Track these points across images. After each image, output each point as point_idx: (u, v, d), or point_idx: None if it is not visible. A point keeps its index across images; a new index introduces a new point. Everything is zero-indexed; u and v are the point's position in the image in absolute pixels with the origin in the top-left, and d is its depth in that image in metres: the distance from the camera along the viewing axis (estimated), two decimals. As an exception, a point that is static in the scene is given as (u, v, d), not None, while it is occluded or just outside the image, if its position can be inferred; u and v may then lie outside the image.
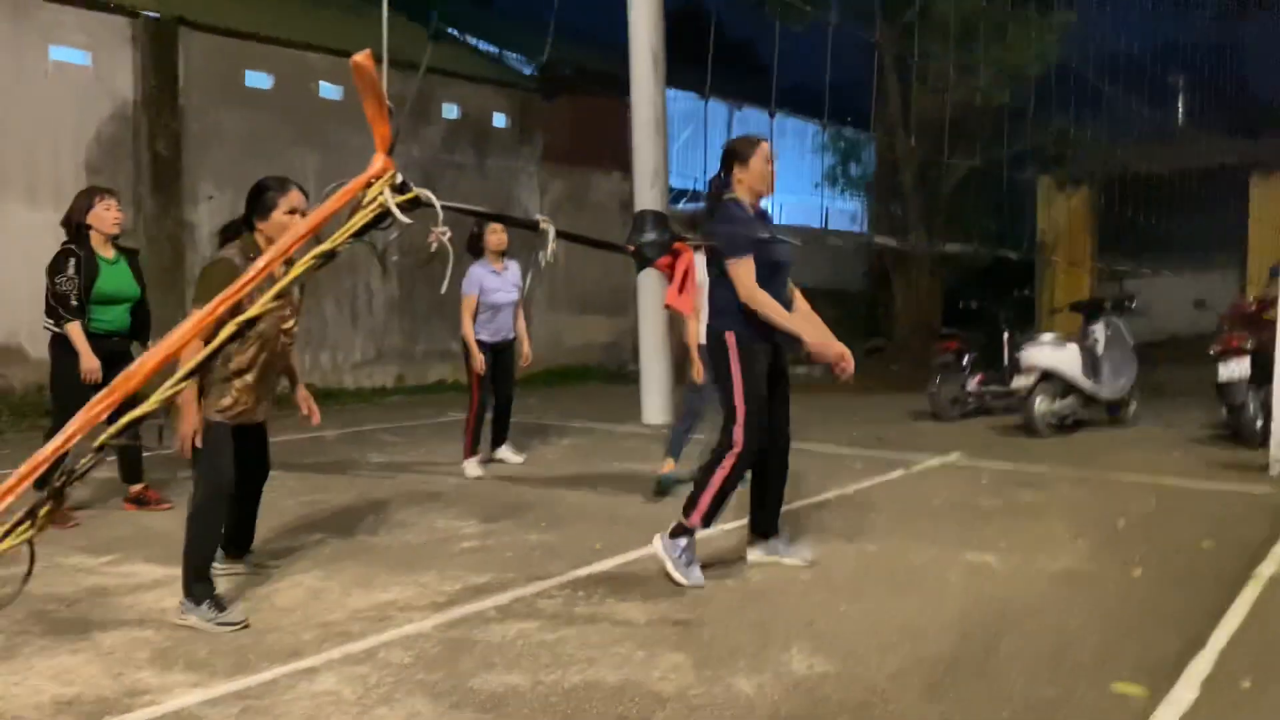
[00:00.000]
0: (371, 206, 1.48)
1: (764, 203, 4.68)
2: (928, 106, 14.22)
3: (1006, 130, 13.69)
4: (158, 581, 4.38)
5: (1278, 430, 6.90)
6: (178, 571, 3.96)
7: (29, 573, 1.33)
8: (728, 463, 4.42)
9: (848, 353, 4.50)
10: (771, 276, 4.43)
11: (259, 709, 3.11)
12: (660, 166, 2.04)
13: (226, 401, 4.00)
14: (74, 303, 5.34)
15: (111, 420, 1.57)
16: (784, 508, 4.86)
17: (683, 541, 4.45)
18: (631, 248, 1.90)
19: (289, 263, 1.63)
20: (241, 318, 1.45)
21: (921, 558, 4.91)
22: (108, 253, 5.54)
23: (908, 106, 14.65)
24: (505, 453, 7.47)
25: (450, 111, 13.47)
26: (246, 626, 3.81)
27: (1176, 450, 8.05)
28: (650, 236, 1.92)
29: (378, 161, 1.54)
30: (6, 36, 9.57)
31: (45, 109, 9.82)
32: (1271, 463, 6.89)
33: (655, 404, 2.51)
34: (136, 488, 5.83)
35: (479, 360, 6.89)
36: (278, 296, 1.53)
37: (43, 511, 1.28)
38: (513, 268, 7.16)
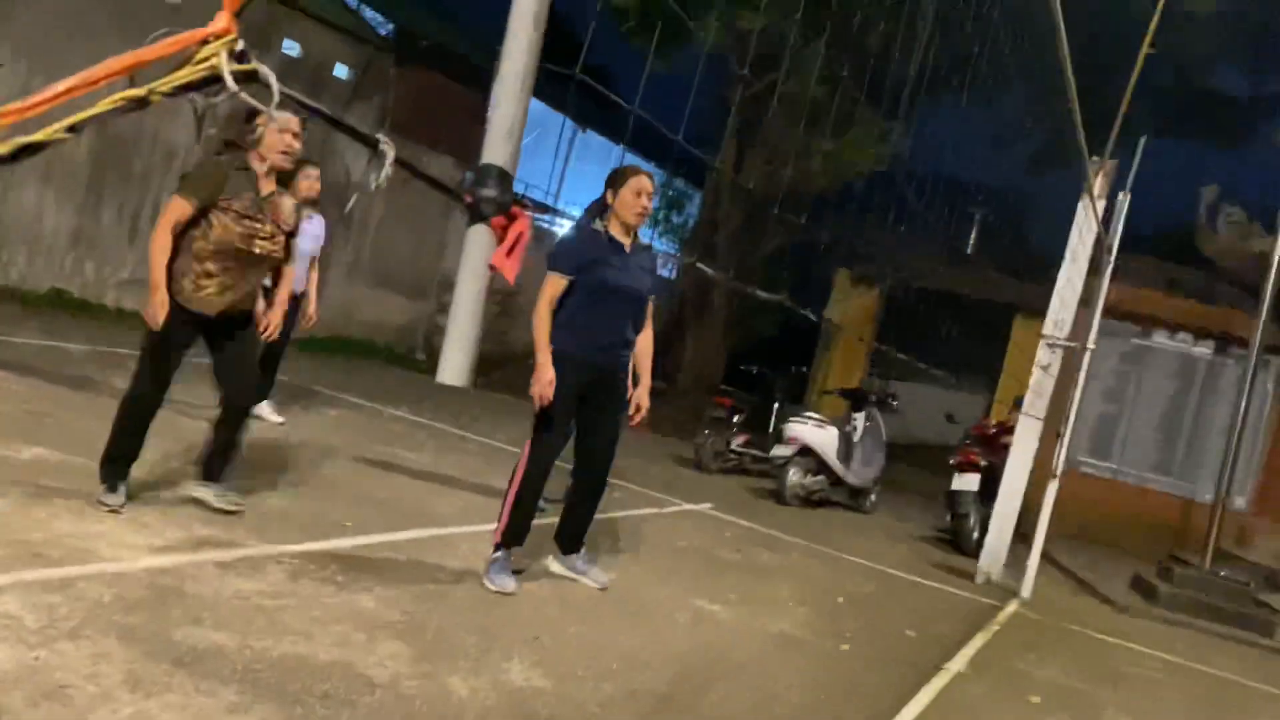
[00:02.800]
0: (203, 66, 1.35)
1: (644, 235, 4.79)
2: (760, 177, 14.84)
3: (821, 217, 14.52)
4: None
5: (991, 544, 7.59)
6: None
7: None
8: (516, 476, 4.54)
9: (643, 401, 4.70)
10: (601, 301, 4.53)
11: (-78, 620, 2.81)
12: (517, 126, 2.04)
13: (185, 284, 4.19)
14: None
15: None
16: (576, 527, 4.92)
17: (495, 554, 4.55)
18: (469, 198, 1.88)
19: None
20: (27, 140, 1.34)
21: (656, 595, 5.05)
22: None
23: (738, 172, 15.23)
24: (265, 409, 7.09)
25: (291, 48, 12.85)
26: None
27: (903, 544, 8.69)
28: (490, 193, 1.90)
29: (220, 20, 1.40)
30: None
31: None
32: (979, 572, 7.56)
33: (455, 364, 2.49)
34: None
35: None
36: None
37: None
38: (317, 220, 6.89)
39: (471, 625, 3.92)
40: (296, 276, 6.70)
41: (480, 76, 15.57)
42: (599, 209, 4.69)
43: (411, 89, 14.22)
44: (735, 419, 10.50)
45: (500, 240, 1.75)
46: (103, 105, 1.26)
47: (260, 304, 4.69)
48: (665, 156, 18.52)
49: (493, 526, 4.67)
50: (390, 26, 15.23)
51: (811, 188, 14.32)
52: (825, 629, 5.19)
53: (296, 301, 6.88)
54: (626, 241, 4.66)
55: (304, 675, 3.07)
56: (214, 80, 1.38)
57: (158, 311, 4.10)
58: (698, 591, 5.29)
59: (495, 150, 2.65)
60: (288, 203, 4.46)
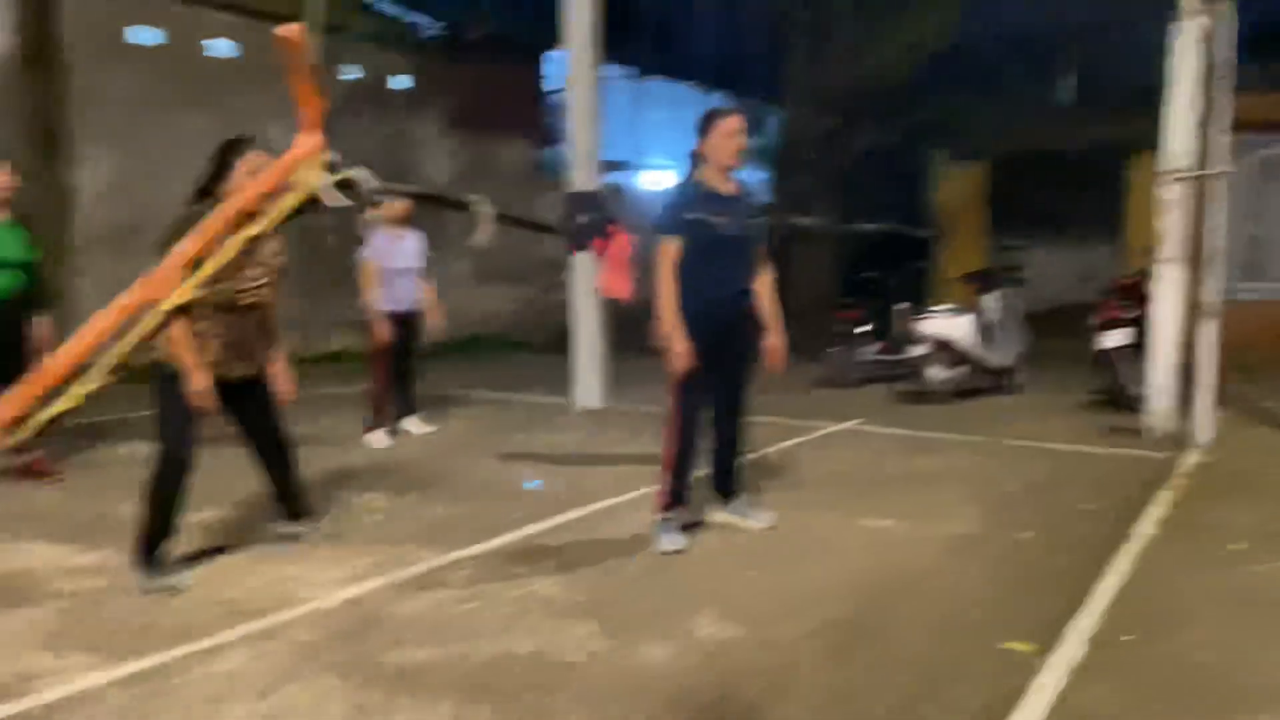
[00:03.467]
0: (303, 188, 1.43)
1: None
2: (833, 80, 14.41)
3: (904, 106, 14.00)
4: (50, 560, 4.22)
5: (1155, 396, 7.28)
6: (69, 548, 3.82)
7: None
8: (669, 440, 4.59)
9: (777, 347, 4.68)
10: (714, 255, 4.46)
11: (163, 690, 3.04)
12: (594, 151, 2.04)
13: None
14: None
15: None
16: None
17: (657, 517, 4.62)
18: (565, 231, 1.90)
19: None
20: (171, 303, 1.41)
21: (824, 522, 5.05)
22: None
23: (812, 79, 14.82)
24: (413, 424, 7.36)
25: (348, 73, 13.10)
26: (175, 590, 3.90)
27: (1061, 416, 8.42)
28: (583, 219, 1.91)
29: (306, 140, 1.48)
30: None
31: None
32: (1147, 428, 7.27)
33: (590, 388, 2.49)
34: (27, 457, 5.58)
35: (381, 329, 6.82)
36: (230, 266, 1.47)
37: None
38: (410, 237, 7.04)
39: (653, 591, 4.01)
40: (401, 294, 6.91)
41: (534, 53, 15.55)
42: (693, 161, 4.62)
43: (469, 83, 14.31)
44: (863, 329, 10.34)
45: (604, 262, 1.76)
46: (228, 251, 1.34)
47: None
48: (733, 83, 18.20)
49: (653, 490, 4.74)
50: (438, 25, 15.32)
51: (892, 77, 13.82)
52: (1001, 522, 5.10)
53: (414, 316, 7.10)
54: (726, 188, 4.59)
55: (510, 671, 3.20)
56: (316, 199, 1.45)
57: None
58: (864, 511, 5.26)
59: (581, 135, 2.65)
60: (271, 244, 3.93)
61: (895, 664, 3.33)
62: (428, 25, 15.28)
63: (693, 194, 4.52)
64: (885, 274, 11.22)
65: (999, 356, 9.44)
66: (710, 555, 4.50)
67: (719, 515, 4.95)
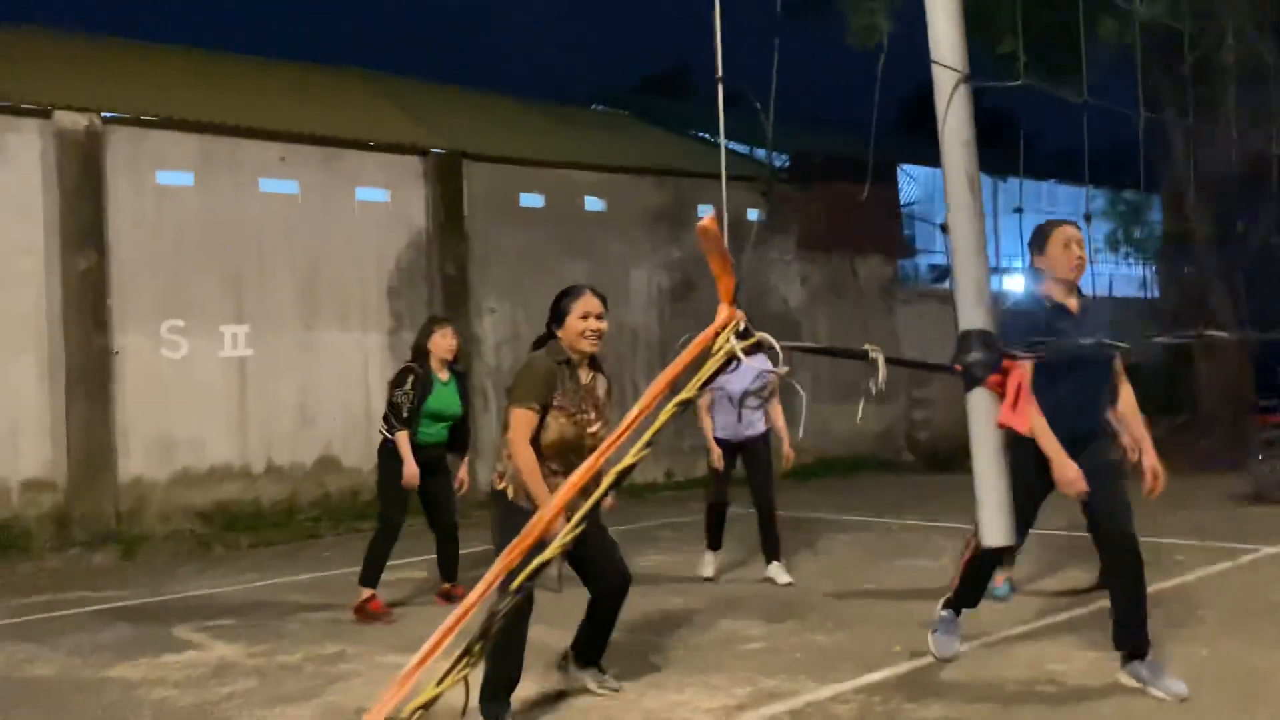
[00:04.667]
0: (720, 354, 1.53)
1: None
2: (1217, 159, 13.07)
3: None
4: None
5: None
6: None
7: (465, 706, 1.44)
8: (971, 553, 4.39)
9: (1156, 470, 4.19)
10: (1067, 375, 4.09)
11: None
12: (984, 287, 1.97)
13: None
14: (405, 414, 5.96)
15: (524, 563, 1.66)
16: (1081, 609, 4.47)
17: (941, 616, 4.46)
18: (959, 367, 1.84)
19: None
20: (620, 466, 1.52)
21: (1266, 663, 4.32)
22: (443, 374, 6.16)
23: (1194, 161, 13.53)
24: (774, 571, 6.64)
25: (705, 211, 13.85)
26: None
27: None
28: (977, 355, 1.84)
29: (723, 312, 1.62)
30: (321, 182, 10.87)
31: (353, 243, 11.02)
32: None
33: (996, 527, 2.32)
34: (448, 585, 6.24)
35: (714, 455, 6.58)
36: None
37: (476, 649, 1.37)
38: (745, 365, 6.91)
39: (1063, 736, 3.60)
40: (747, 419, 6.58)
41: (882, 171, 15.60)
42: (1034, 276, 4.35)
43: (820, 206, 14.59)
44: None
45: (1001, 395, 1.70)
46: (663, 417, 1.46)
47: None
48: (1104, 175, 17.07)
49: (1040, 623, 4.31)
50: (782, 157, 15.89)
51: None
52: None
53: (757, 443, 6.66)
54: (1071, 302, 4.24)
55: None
56: (731, 360, 1.56)
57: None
58: (1321, 650, 4.43)
59: (965, 269, 2.58)
60: (601, 384, 4.29)
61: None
62: (777, 157, 15.89)
63: (1033, 312, 4.21)
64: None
65: None
66: (1127, 694, 3.97)
67: (1122, 677, 4.11)
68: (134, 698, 4.62)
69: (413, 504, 6.12)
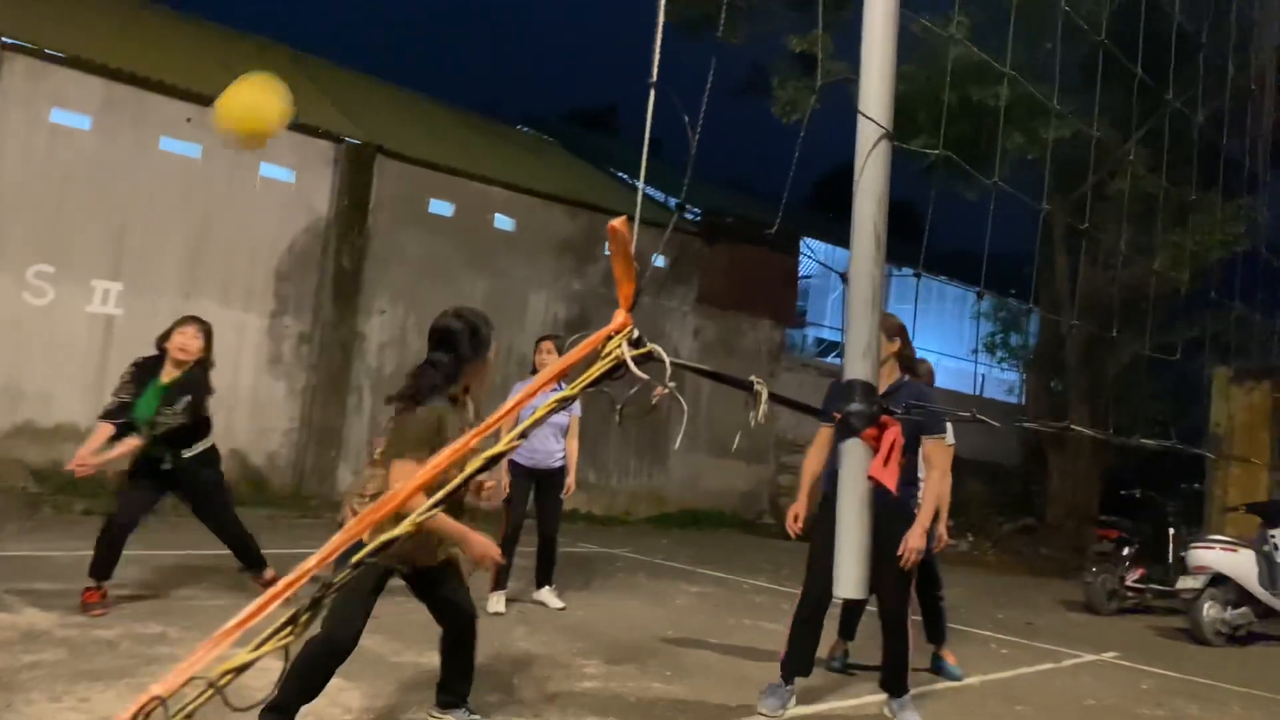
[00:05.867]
0: (609, 359, 1.53)
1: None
2: (1097, 282, 13.87)
3: (1181, 315, 13.17)
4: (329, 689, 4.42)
5: None
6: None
7: (281, 677, 1.38)
8: (794, 612, 5.01)
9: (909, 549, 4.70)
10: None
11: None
12: (873, 341, 2.02)
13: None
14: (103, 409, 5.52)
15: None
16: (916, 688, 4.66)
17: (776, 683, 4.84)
18: (837, 415, 1.89)
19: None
20: (490, 452, 1.50)
21: (1074, 765, 4.50)
22: (167, 376, 5.56)
23: (1075, 281, 14.32)
24: (545, 595, 6.82)
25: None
26: None
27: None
28: (858, 406, 1.89)
29: (618, 317, 1.61)
30: (226, 152, 10.54)
31: (249, 218, 10.68)
32: None
33: (850, 576, 2.34)
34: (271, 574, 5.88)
35: (505, 481, 6.46)
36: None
37: (303, 619, 1.32)
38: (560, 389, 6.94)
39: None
40: (546, 447, 6.56)
41: (785, 241, 16.02)
42: (909, 362, 5.00)
43: (722, 263, 14.89)
44: (1126, 551, 9.46)
45: (875, 449, 1.75)
46: (540, 412, 1.45)
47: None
48: (988, 280, 17.88)
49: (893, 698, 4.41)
50: (694, 211, 16.17)
51: (1163, 286, 13.11)
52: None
53: (553, 475, 6.66)
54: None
55: None
56: (619, 367, 1.56)
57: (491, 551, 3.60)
58: (1123, 758, 4.66)
59: (858, 325, 2.65)
60: (471, 408, 3.87)
61: None
62: (689, 212, 16.15)
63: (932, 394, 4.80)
64: (1155, 494, 10.29)
65: (1288, 600, 8.34)
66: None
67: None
68: (-75, 655, 4.30)
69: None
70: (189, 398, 5.54)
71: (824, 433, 4.93)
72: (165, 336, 5.63)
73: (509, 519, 6.58)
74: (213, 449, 5.84)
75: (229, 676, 1.21)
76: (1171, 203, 11.44)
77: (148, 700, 1.16)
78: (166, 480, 5.66)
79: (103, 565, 5.41)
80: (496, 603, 6.49)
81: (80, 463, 5.31)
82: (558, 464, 6.66)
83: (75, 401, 9.56)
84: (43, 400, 9.47)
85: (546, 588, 6.84)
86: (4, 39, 9.25)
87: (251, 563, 5.94)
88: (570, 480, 6.72)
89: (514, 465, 6.54)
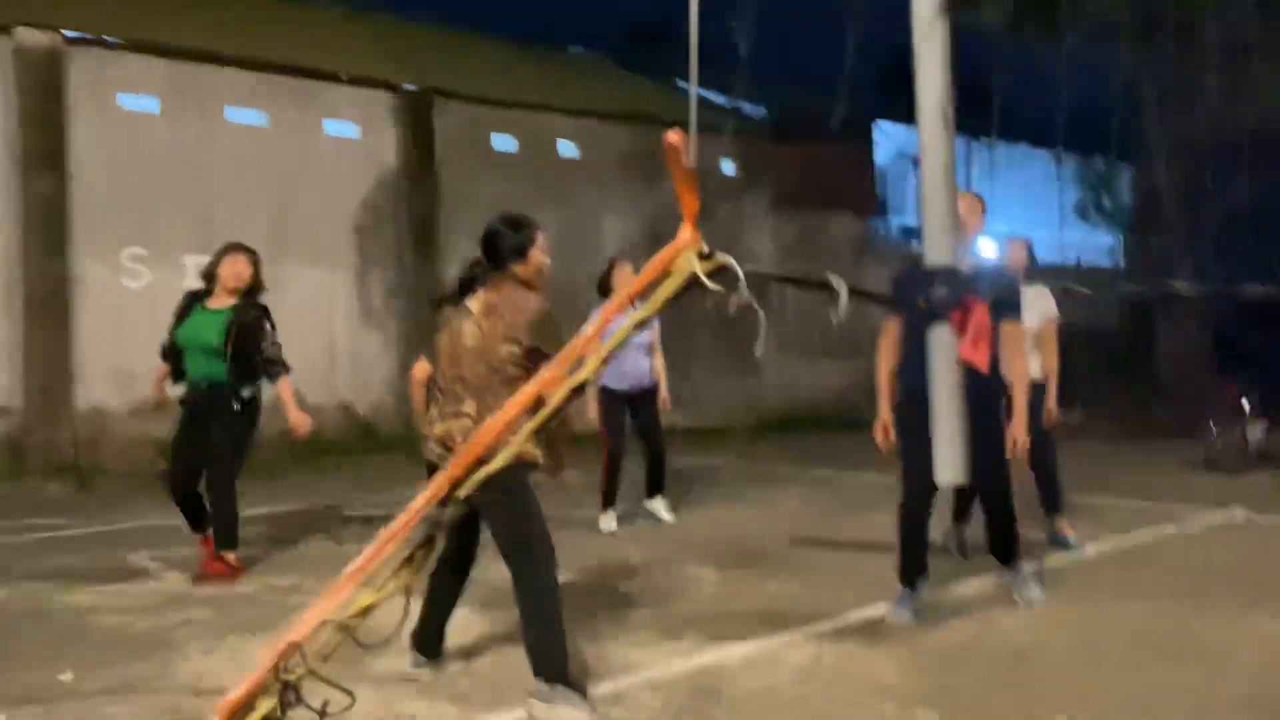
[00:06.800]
0: (680, 275, 1.52)
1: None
2: (1191, 131, 13.15)
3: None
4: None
5: None
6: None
7: (405, 614, 1.43)
8: (898, 516, 4.59)
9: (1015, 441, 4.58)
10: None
11: (515, 746, 3.19)
12: (950, 222, 1.96)
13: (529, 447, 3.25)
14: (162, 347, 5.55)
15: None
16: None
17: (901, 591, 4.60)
18: (923, 303, 1.85)
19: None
20: (575, 380, 1.51)
21: (1204, 624, 4.43)
22: (221, 302, 5.48)
23: (1174, 131, 13.60)
24: (657, 506, 6.99)
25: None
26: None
27: None
28: (942, 292, 1.85)
29: (685, 232, 1.59)
30: (290, 116, 10.67)
31: (321, 178, 10.85)
32: None
33: (948, 461, 2.35)
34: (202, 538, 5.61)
35: (592, 411, 6.54)
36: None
37: (418, 557, 1.37)
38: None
39: (1003, 684, 3.69)
40: (636, 370, 6.62)
41: (858, 129, 15.56)
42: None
43: (795, 161, 14.55)
44: (1248, 403, 9.11)
45: (962, 333, 1.70)
46: (621, 333, 1.44)
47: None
48: (1077, 142, 17.12)
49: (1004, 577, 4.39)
50: (761, 110, 15.79)
51: (1260, 129, 12.36)
52: None
53: (647, 394, 6.77)
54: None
55: (849, 761, 3.05)
56: (694, 283, 1.54)
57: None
58: (1257, 612, 4.56)
59: (934, 208, 2.54)
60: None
61: (1312, 798, 2.81)
62: (752, 110, 15.79)
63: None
64: (1271, 341, 9.86)
65: None
66: (1069, 650, 4.08)
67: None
68: (85, 623, 4.61)
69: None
70: (257, 321, 5.46)
71: (892, 326, 4.62)
72: (214, 267, 5.57)
73: (610, 444, 6.70)
74: (258, 401, 5.58)
75: (358, 619, 1.25)
76: (1272, 41, 10.69)
77: (286, 647, 1.21)
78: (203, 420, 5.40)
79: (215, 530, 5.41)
80: (608, 522, 6.65)
81: (156, 396, 5.54)
82: (650, 382, 6.75)
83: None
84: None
85: (658, 498, 6.97)
86: (66, 33, 9.46)
87: (225, 542, 5.41)
88: (664, 394, 6.82)
89: (607, 391, 6.62)
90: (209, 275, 5.59)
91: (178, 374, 5.52)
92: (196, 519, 5.54)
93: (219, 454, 5.41)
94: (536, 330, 3.52)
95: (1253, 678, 3.76)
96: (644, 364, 6.71)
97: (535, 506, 3.51)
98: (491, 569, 3.78)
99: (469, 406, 3.51)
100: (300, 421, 5.52)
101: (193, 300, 5.57)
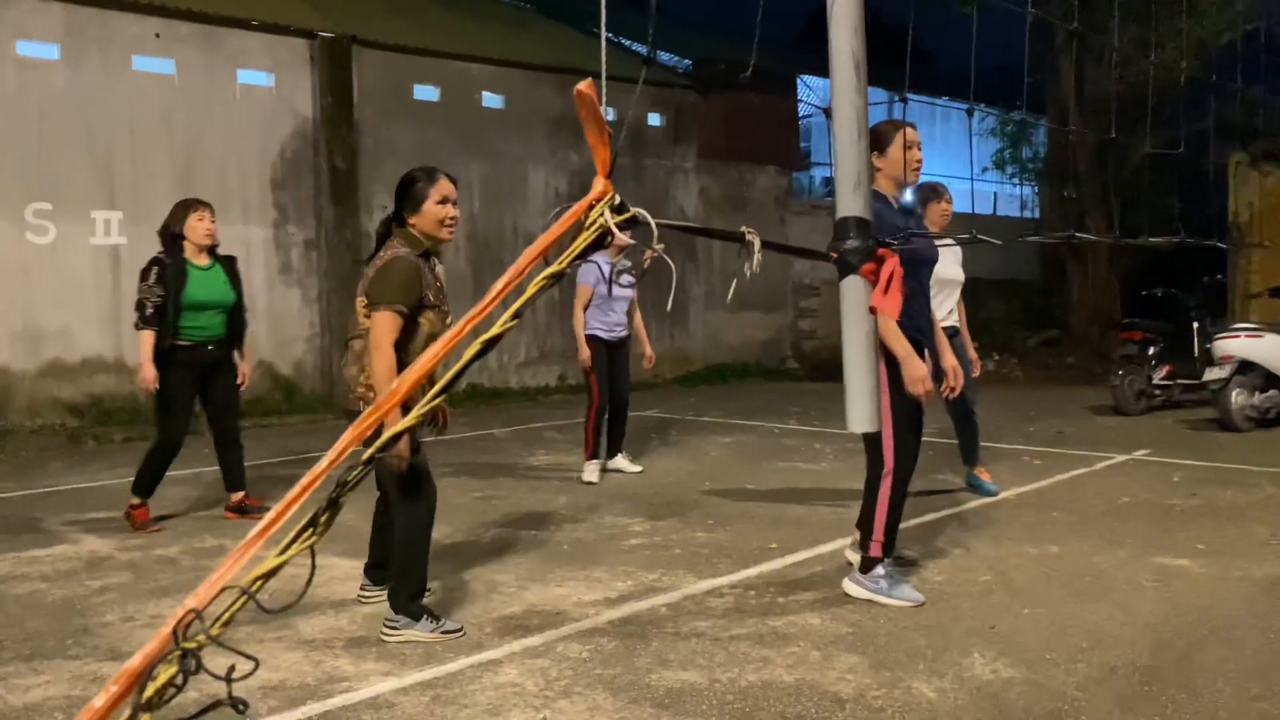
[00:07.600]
0: (594, 228, 1.51)
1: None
2: (1103, 84, 13.49)
3: (1191, 106, 12.82)
4: (348, 574, 4.61)
5: None
6: (361, 562, 4.15)
7: (310, 579, 1.43)
8: (885, 486, 4.13)
9: (953, 369, 4.54)
10: (910, 274, 4.09)
11: (447, 698, 3.23)
12: (863, 174, 1.97)
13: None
14: (148, 312, 5.35)
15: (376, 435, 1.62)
16: (950, 509, 4.73)
17: (878, 571, 4.15)
18: (834, 254, 1.88)
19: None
20: (486, 335, 1.50)
21: (1109, 560, 4.66)
22: (201, 260, 5.51)
23: (1081, 85, 13.92)
24: (620, 462, 7.13)
25: (607, 114, 13.65)
26: (463, 633, 3.78)
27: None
28: (853, 243, 1.88)
29: (598, 185, 1.58)
30: (199, 64, 10.29)
31: (234, 129, 10.51)
32: None
33: (861, 412, 2.35)
34: (239, 496, 5.83)
35: (586, 353, 6.73)
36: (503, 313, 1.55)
37: (323, 519, 1.36)
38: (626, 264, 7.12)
39: (919, 625, 3.84)
40: (621, 320, 6.83)
41: (782, 82, 15.60)
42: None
43: (720, 114, 14.55)
44: (1151, 350, 9.51)
45: (874, 283, 1.74)
46: (531, 289, 1.42)
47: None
48: (994, 95, 17.43)
49: (915, 521, 4.54)
50: (687, 63, 15.71)
51: (1170, 78, 12.73)
52: (1327, 564, 4.49)
53: (625, 343, 6.93)
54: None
55: (774, 700, 3.16)
56: (605, 235, 1.53)
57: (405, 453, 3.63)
58: (1157, 548, 4.81)
59: (846, 160, 2.57)
60: (442, 272, 3.98)
61: (1197, 716, 3.00)
62: (677, 62, 15.70)
63: (888, 206, 4.14)
64: (1177, 291, 10.27)
65: (1315, 379, 8.40)
66: (983, 590, 4.26)
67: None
68: None
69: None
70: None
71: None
72: (175, 224, 5.47)
73: (598, 390, 6.82)
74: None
75: (259, 583, 1.25)
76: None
77: (184, 613, 1.21)
78: (201, 379, 5.56)
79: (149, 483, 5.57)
80: (591, 473, 6.78)
81: (148, 378, 5.36)
82: (626, 333, 6.95)
83: (95, 334, 9.66)
84: (64, 337, 9.57)
85: (620, 455, 7.13)
86: (-47, -25, 8.96)
87: (237, 483, 5.81)
88: (648, 350, 7.08)
89: (595, 340, 6.79)
90: (176, 234, 5.48)
91: (161, 337, 5.39)
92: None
93: (232, 407, 5.79)
94: (398, 284, 3.64)
95: (1152, 608, 3.97)
96: (624, 317, 6.90)
97: (422, 458, 3.81)
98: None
99: (357, 364, 3.79)
100: (246, 375, 5.80)
101: (180, 261, 5.45)
